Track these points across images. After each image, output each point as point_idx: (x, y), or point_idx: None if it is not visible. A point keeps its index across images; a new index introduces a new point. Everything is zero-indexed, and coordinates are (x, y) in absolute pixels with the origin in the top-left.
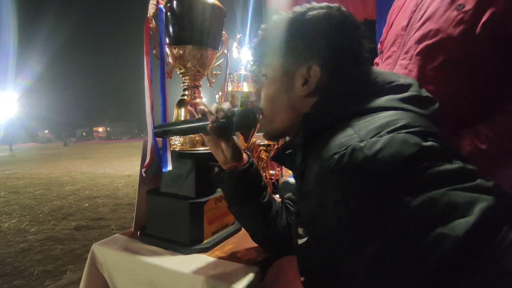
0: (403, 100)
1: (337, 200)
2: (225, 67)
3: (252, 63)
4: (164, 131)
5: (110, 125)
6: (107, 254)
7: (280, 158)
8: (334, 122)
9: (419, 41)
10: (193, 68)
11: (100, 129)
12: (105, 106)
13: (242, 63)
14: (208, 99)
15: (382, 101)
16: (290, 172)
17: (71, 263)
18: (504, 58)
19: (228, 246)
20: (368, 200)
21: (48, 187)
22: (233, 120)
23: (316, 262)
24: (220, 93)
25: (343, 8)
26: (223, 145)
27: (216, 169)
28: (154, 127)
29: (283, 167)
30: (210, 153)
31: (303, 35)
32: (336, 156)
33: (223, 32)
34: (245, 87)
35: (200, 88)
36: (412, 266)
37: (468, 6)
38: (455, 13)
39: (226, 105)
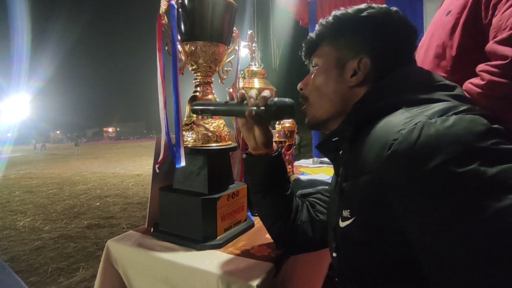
0: (452, 96)
1: (407, 175)
2: (236, 63)
3: (304, 54)
4: (202, 109)
5: (120, 125)
6: (122, 251)
7: (324, 146)
8: (385, 109)
9: None
10: (205, 64)
11: (110, 129)
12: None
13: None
14: (219, 96)
15: (433, 94)
16: (301, 170)
17: (83, 260)
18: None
19: (241, 243)
20: (444, 171)
21: (60, 186)
22: (272, 109)
23: (359, 241)
24: (231, 90)
25: (401, 12)
26: (256, 131)
27: (244, 156)
28: (194, 104)
29: (294, 165)
30: (222, 149)
31: (359, 31)
32: (403, 132)
33: (234, 28)
34: (256, 83)
35: (211, 85)
36: (483, 229)
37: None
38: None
39: (266, 93)
